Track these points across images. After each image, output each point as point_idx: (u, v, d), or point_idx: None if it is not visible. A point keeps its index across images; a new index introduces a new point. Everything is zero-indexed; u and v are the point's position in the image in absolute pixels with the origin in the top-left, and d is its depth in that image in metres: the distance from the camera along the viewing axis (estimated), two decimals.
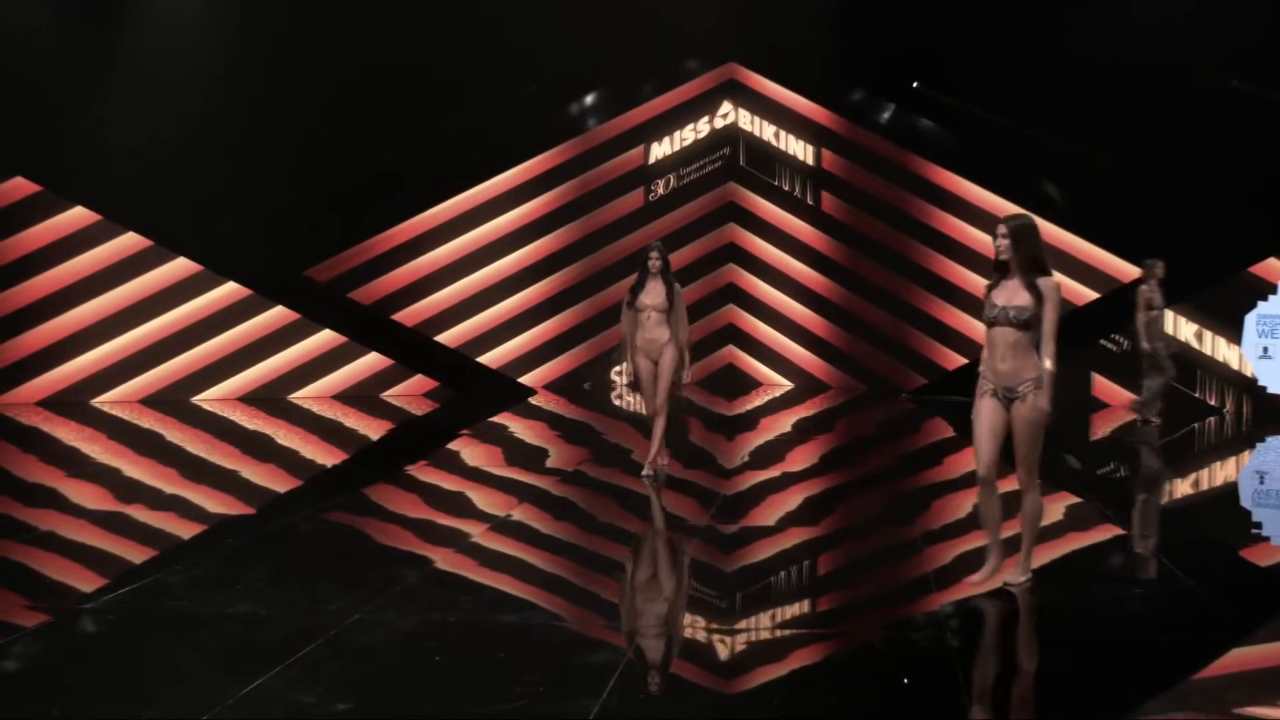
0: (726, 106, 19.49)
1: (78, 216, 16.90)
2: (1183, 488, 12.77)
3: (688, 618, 7.99)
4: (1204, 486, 12.91)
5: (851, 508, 11.56)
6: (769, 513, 10.86)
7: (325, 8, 17.35)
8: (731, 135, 19.58)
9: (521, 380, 19.08)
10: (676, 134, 19.59)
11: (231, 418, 16.22)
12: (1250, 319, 16.80)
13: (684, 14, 18.79)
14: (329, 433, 15.48)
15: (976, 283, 17.95)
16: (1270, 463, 14.42)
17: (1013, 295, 7.97)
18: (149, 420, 15.85)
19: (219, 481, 12.22)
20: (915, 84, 18.21)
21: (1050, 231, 17.60)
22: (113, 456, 13.68)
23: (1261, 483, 13.20)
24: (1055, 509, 11.03)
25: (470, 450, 14.45)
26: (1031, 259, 7.98)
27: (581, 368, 19.26)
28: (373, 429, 15.94)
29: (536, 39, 17.78)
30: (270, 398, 17.69)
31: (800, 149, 19.21)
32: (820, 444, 15.11)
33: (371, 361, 18.35)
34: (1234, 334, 17.07)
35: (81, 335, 17.01)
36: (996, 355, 8.04)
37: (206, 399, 17.49)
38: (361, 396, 18.05)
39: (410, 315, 18.51)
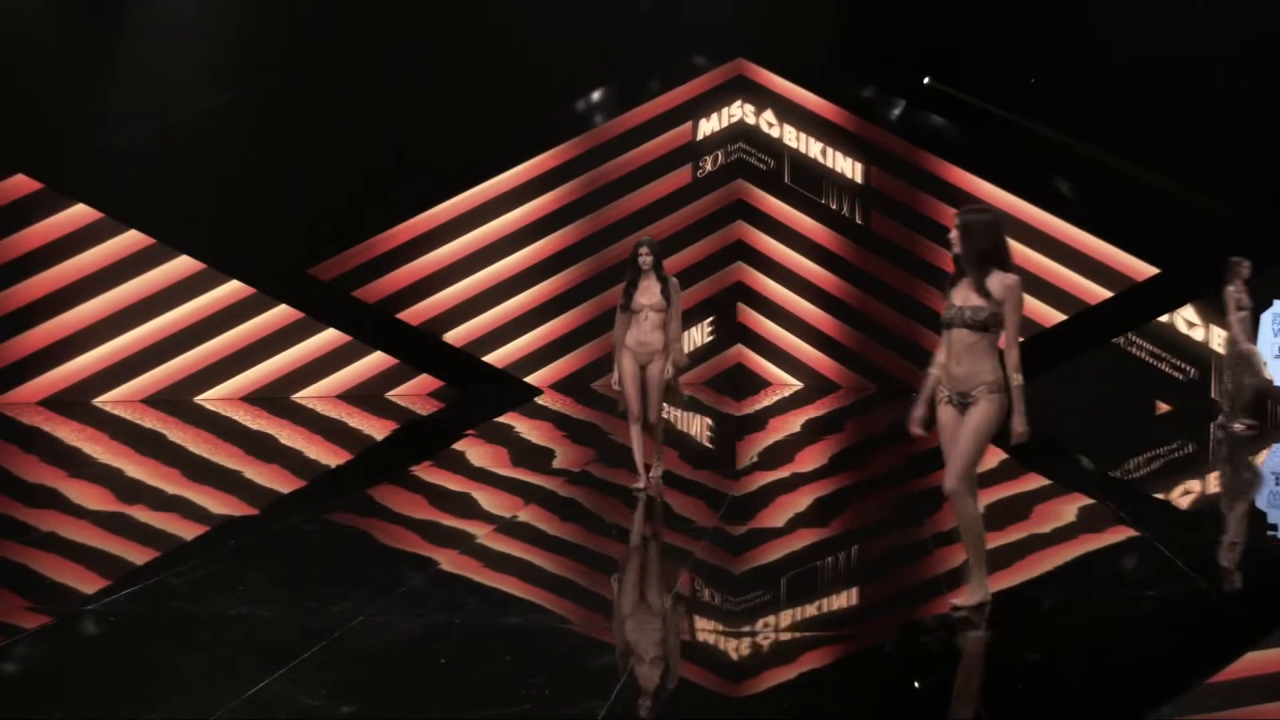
0: (771, 118, 19.36)
1: (79, 214, 16.85)
2: (1197, 489, 12.67)
3: (696, 620, 7.90)
4: (1218, 488, 12.79)
5: (861, 509, 11.50)
6: (778, 514, 10.80)
7: (329, 2, 17.29)
8: (761, 139, 19.46)
9: (527, 380, 19.00)
10: (725, 110, 19.54)
11: (234, 417, 16.18)
12: (1266, 318, 16.66)
13: (691, 10, 18.75)
14: (333, 433, 15.43)
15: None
16: None
17: (969, 295, 7.47)
18: (151, 420, 15.81)
19: (222, 482, 12.17)
20: (926, 79, 18.11)
21: (1062, 229, 17.56)
22: (114, 457, 13.63)
23: (1278, 484, 13.10)
24: (1067, 510, 10.99)
25: (476, 450, 14.41)
26: (982, 255, 7.45)
27: (588, 368, 19.17)
28: (377, 429, 15.89)
29: (542, 35, 17.70)
30: (274, 397, 17.65)
31: (848, 167, 19.02)
32: (830, 444, 15.05)
33: (376, 361, 18.30)
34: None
35: (83, 334, 16.97)
36: (951, 358, 7.57)
37: (209, 398, 17.44)
38: (366, 396, 18.01)
39: (415, 314, 18.44)
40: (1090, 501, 11.31)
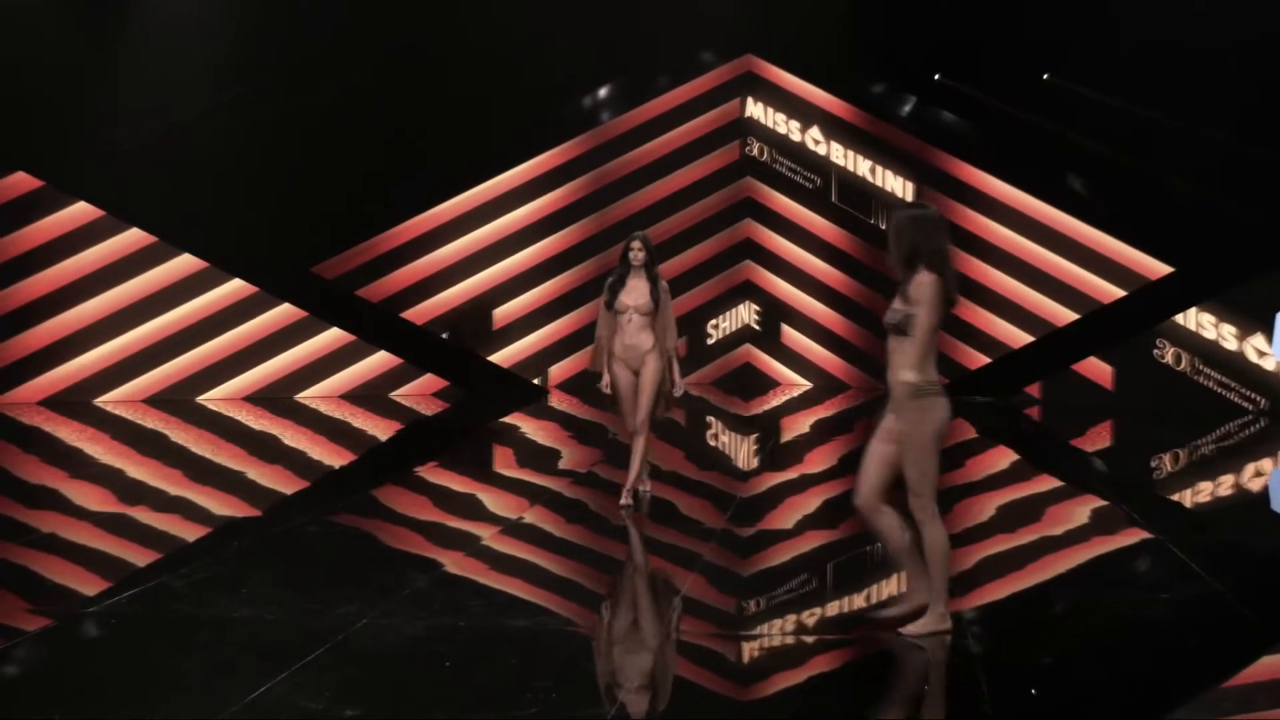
0: (817, 134, 19.24)
1: (80, 212, 16.78)
2: (1212, 490, 12.59)
3: (702, 623, 7.82)
4: (1233, 489, 12.71)
5: None
6: (786, 515, 10.74)
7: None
8: (807, 156, 19.23)
9: (534, 380, 18.93)
10: (771, 114, 19.35)
11: (237, 418, 16.13)
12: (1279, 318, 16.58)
13: (699, 5, 18.64)
14: (336, 433, 15.38)
15: (1000, 280, 17.86)
16: None
17: (898, 297, 7.17)
18: (153, 420, 15.76)
19: (224, 483, 12.13)
20: (937, 76, 18.02)
21: (1074, 227, 17.47)
22: (116, 457, 13.59)
23: None
24: (1080, 512, 10.94)
25: (481, 451, 14.36)
26: (908, 256, 7.16)
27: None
28: (381, 429, 15.83)
29: (548, 31, 17.62)
30: (276, 397, 17.58)
31: (899, 185, 18.74)
32: (839, 445, 14.95)
33: (380, 360, 18.22)
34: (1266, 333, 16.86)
35: (84, 333, 16.90)
36: (889, 367, 7.28)
37: (211, 398, 17.37)
38: (369, 396, 17.94)
39: (419, 313, 18.37)
40: (1102, 503, 11.23)
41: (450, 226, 18.40)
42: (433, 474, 12.93)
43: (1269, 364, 16.67)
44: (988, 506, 11.20)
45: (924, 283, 7.02)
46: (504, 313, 18.78)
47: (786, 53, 19.07)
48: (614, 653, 7.33)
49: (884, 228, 18.08)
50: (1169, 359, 17.09)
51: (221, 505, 11.06)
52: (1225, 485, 12.85)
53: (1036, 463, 13.85)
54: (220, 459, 13.52)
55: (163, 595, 8.02)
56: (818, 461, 13.66)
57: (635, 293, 10.42)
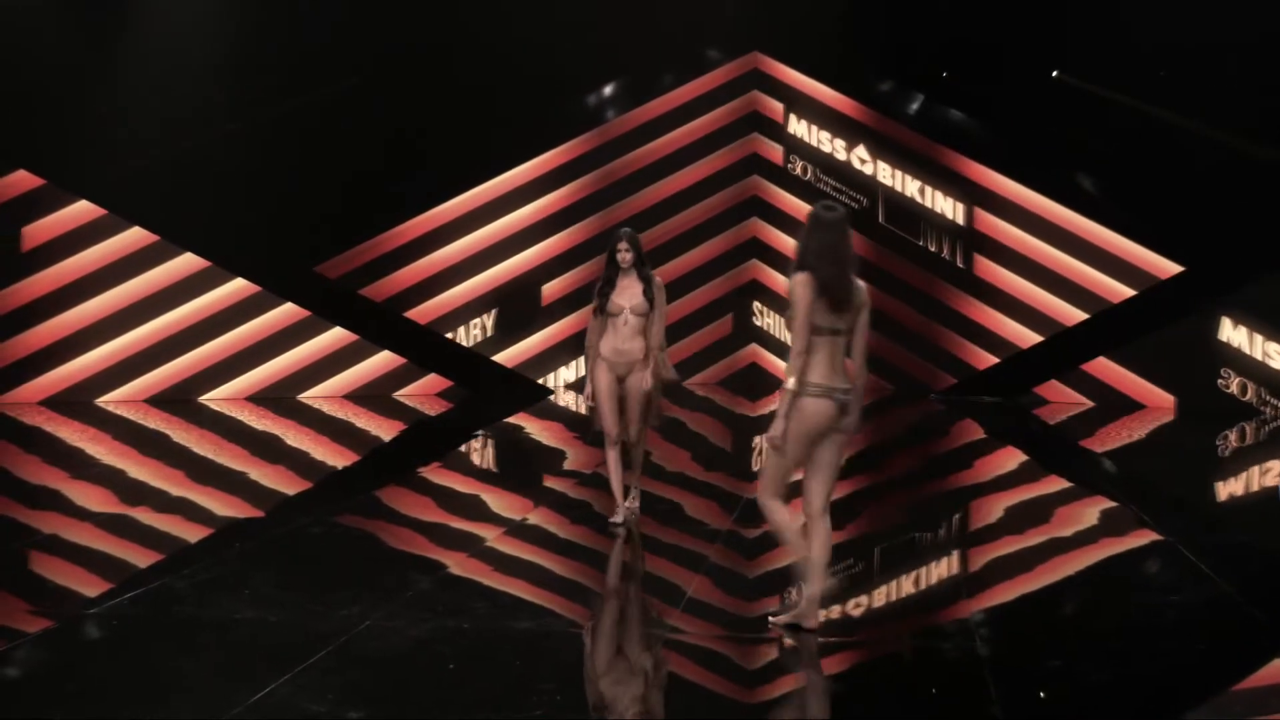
0: (863, 153, 18.99)
1: (82, 211, 16.71)
2: (1223, 492, 12.54)
3: (708, 625, 7.77)
4: (1245, 491, 12.66)
5: (878, 512, 11.39)
6: (794, 517, 10.61)
7: None
8: (853, 175, 18.95)
9: (540, 380, 18.88)
10: (815, 131, 19.13)
11: (239, 418, 16.07)
12: None
13: (705, 3, 18.60)
14: (339, 433, 15.34)
15: (1009, 279, 17.79)
16: None
17: None
18: (155, 420, 15.71)
19: (226, 483, 12.09)
20: (945, 74, 17.95)
21: (1084, 226, 17.40)
22: (117, 457, 13.53)
23: None
24: (1089, 513, 10.91)
25: (485, 452, 14.33)
26: (797, 254, 7.28)
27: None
28: (385, 429, 15.79)
29: (552, 29, 17.57)
30: (279, 397, 17.54)
31: (949, 207, 18.45)
32: (846, 446, 14.86)
33: (383, 360, 18.17)
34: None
35: (86, 333, 16.82)
36: None
37: (214, 398, 17.31)
38: (373, 396, 17.89)
39: (423, 313, 18.32)
40: (1112, 505, 11.19)
41: (454, 225, 18.34)
42: (436, 475, 12.90)
43: None
44: (996, 508, 11.19)
45: (792, 282, 7.16)
46: (506, 312, 18.74)
47: (793, 50, 19.00)
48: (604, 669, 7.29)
49: (935, 251, 18.11)
50: (1234, 389, 16.94)
51: (224, 506, 11.03)
52: (1237, 486, 12.80)
53: (1045, 464, 13.82)
54: (222, 459, 13.48)
55: (165, 597, 8.00)
56: None
57: (629, 293, 9.84)
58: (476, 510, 10.87)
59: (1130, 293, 17.21)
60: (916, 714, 6.40)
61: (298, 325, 17.65)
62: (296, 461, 13.59)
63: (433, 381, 18.35)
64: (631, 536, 9.75)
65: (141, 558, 9.28)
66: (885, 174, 18.65)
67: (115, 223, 16.78)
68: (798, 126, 19.07)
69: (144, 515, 10.44)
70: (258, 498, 11.58)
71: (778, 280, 19.19)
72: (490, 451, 14.46)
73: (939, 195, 18.31)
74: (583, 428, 14.92)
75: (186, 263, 17.09)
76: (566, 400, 17.99)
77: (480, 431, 15.40)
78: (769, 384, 19.22)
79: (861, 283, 7.31)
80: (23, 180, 16.48)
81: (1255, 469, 13.74)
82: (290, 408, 16.93)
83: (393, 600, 7.86)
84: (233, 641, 7.13)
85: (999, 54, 17.41)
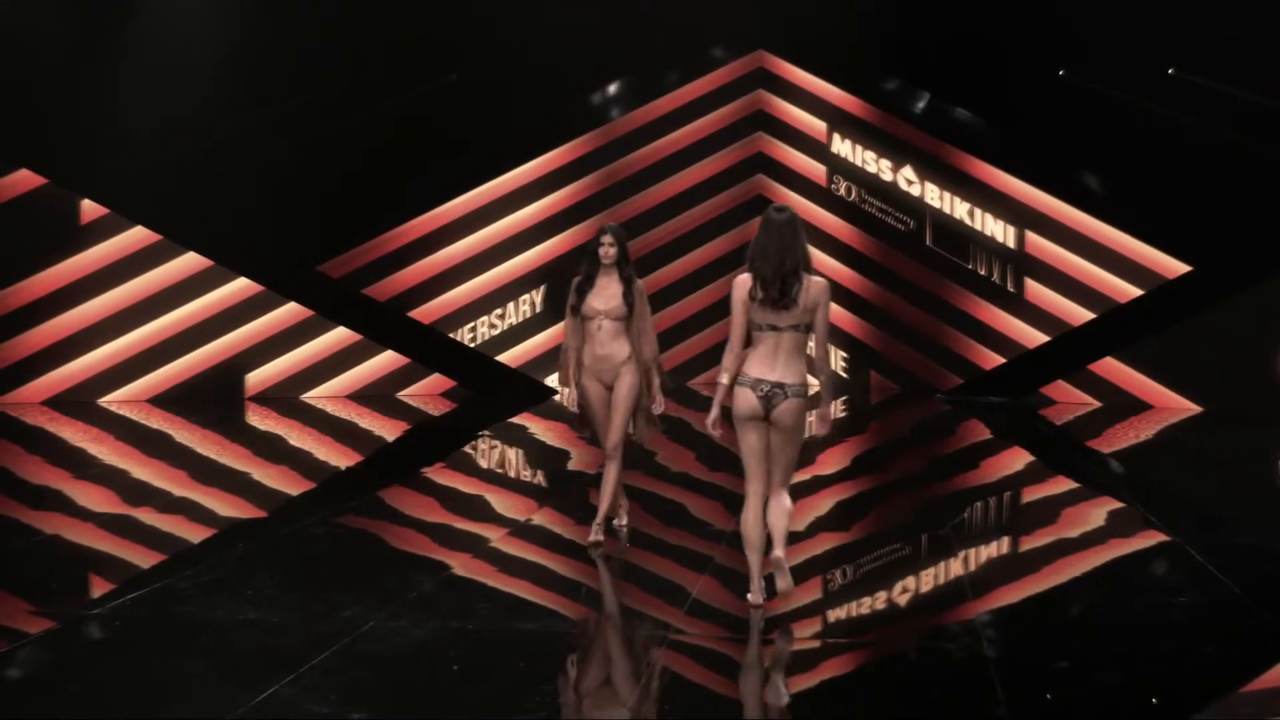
0: (910, 174, 18.75)
1: (84, 210, 16.71)
2: (1231, 493, 12.49)
3: (712, 626, 7.74)
4: (1255, 492, 12.60)
5: (884, 512, 11.38)
6: (798, 517, 10.56)
7: None
8: (899, 196, 18.63)
9: (544, 380, 18.86)
10: (859, 151, 18.90)
11: (242, 418, 16.05)
12: None
13: (710, 1, 18.56)
14: (343, 434, 15.34)
15: (1015, 279, 17.73)
16: None
17: None
18: (157, 420, 15.69)
19: (229, 484, 12.08)
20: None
21: (1090, 225, 17.34)
22: (120, 458, 13.54)
23: None
24: (1096, 514, 10.88)
25: (489, 452, 14.31)
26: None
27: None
28: (388, 430, 15.77)
29: (556, 27, 17.55)
30: (282, 397, 17.51)
31: (1000, 230, 18.13)
32: (852, 446, 14.89)
33: (387, 360, 18.15)
34: None
35: (88, 332, 16.82)
36: None
37: (216, 398, 17.27)
38: (376, 396, 17.87)
39: (427, 312, 18.30)
40: (1119, 505, 11.16)
41: (458, 225, 18.32)
42: (440, 475, 12.86)
43: None
44: (1002, 508, 11.15)
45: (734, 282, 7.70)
46: (509, 312, 18.71)
47: (799, 48, 18.94)
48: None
49: (985, 274, 17.98)
50: None
51: (227, 507, 11.02)
52: (1245, 487, 12.75)
53: (1052, 464, 13.79)
54: (225, 460, 13.49)
55: (167, 597, 7.99)
56: (830, 463, 13.58)
57: (605, 295, 9.22)
58: (480, 511, 10.84)
59: (1138, 292, 17.15)
60: (922, 715, 6.37)
61: (301, 325, 17.63)
62: (299, 462, 13.57)
63: (436, 381, 18.33)
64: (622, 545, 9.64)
65: (144, 558, 9.27)
66: (933, 195, 18.39)
67: (117, 222, 16.76)
68: (841, 146, 18.82)
69: (146, 516, 10.43)
70: (261, 498, 11.58)
71: None
72: (494, 452, 14.43)
73: (989, 218, 18.04)
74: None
75: (189, 262, 17.08)
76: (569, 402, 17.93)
77: (484, 432, 15.37)
78: None
79: (819, 280, 7.64)
80: (25, 179, 16.47)
81: (1267, 471, 13.70)
82: (293, 408, 16.91)
83: (396, 601, 7.84)
84: (235, 642, 7.12)
85: (1003, 52, 17.35)
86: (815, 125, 18.88)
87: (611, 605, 8.29)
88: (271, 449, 14.23)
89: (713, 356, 19.13)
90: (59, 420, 15.53)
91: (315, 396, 17.73)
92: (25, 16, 16.11)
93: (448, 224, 18.26)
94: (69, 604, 7.93)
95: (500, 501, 11.27)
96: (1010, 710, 6.26)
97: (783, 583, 7.69)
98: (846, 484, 12.64)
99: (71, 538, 9.75)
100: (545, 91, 18.10)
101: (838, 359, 18.92)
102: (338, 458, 14.06)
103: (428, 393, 18.23)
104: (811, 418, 8.70)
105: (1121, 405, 16.94)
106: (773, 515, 7.76)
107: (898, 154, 18.39)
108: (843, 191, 18.81)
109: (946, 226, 18.29)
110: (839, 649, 7.39)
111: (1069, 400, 17.43)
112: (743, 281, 7.60)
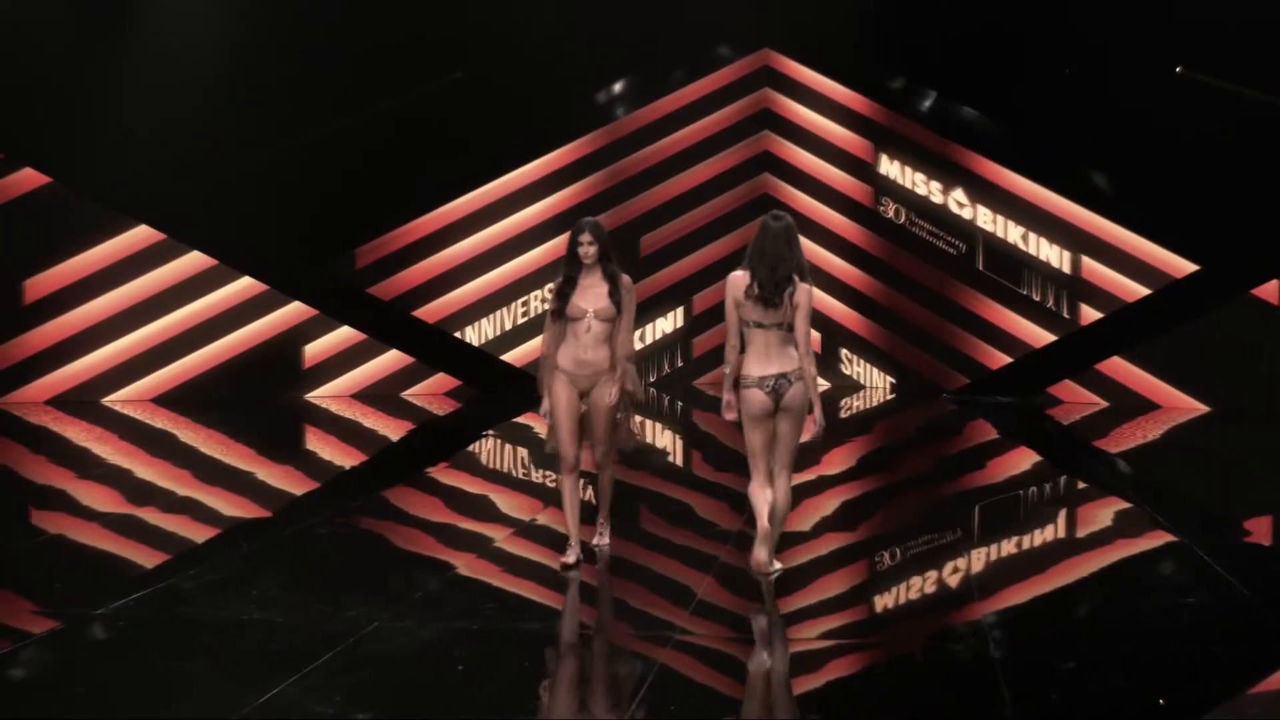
0: (961, 197, 18.34)
1: (88, 209, 16.69)
2: (1238, 493, 12.44)
3: (717, 626, 7.72)
4: (1263, 493, 12.56)
5: (890, 513, 11.32)
6: (804, 518, 10.59)
7: None
8: (950, 219, 18.37)
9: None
10: (909, 173, 18.58)
11: (246, 417, 16.02)
12: None
13: None
14: (347, 433, 15.33)
15: (1022, 278, 17.69)
16: None
17: None
18: (161, 420, 15.68)
19: (234, 483, 12.05)
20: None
21: (1099, 225, 17.30)
22: (124, 457, 13.54)
23: None
24: (1103, 514, 10.86)
25: (494, 451, 14.29)
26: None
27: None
28: (392, 429, 15.76)
29: (560, 25, 17.51)
30: (287, 396, 17.48)
31: (1054, 255, 17.84)
32: (858, 446, 14.87)
33: (391, 359, 18.13)
34: None
35: (92, 331, 16.81)
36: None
37: (220, 397, 17.24)
38: (381, 395, 17.85)
39: (432, 311, 18.28)
40: (1126, 505, 11.14)
41: (463, 224, 18.30)
42: (445, 475, 12.85)
43: None
44: (1009, 508, 11.12)
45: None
46: (514, 311, 18.69)
47: (805, 47, 18.90)
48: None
49: (1040, 300, 17.85)
50: None
51: (231, 506, 10.99)
52: (1252, 487, 12.71)
53: (1058, 464, 13.76)
54: (230, 459, 13.48)
55: (171, 597, 7.97)
56: (835, 463, 13.55)
57: (592, 294, 8.62)
58: (485, 511, 10.82)
59: (1145, 291, 17.11)
60: (929, 717, 6.34)
61: (305, 324, 17.61)
62: (304, 461, 13.59)
63: (441, 381, 18.31)
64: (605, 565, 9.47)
65: (148, 558, 9.25)
66: (985, 219, 18.11)
67: (121, 220, 16.76)
68: (890, 167, 18.60)
69: (151, 515, 10.41)
70: (265, 498, 11.55)
71: None
72: (499, 451, 14.41)
73: (1043, 242, 17.76)
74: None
75: (193, 261, 17.06)
76: None
77: (489, 431, 15.35)
78: None
79: (806, 286, 8.18)
80: (29, 178, 16.47)
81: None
82: (298, 407, 16.90)
83: (401, 601, 7.82)
84: (239, 642, 7.10)
85: (1012, 50, 17.30)
86: (822, 124, 18.85)
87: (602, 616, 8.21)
88: (276, 448, 14.18)
89: (717, 356, 19.13)
90: (63, 420, 15.52)
91: (319, 396, 17.71)
92: (30, 15, 16.08)
93: (452, 223, 18.24)
94: (73, 604, 7.90)
95: (505, 501, 11.25)
96: (1016, 711, 6.22)
97: (774, 566, 8.47)
98: (852, 484, 12.62)
99: (75, 537, 9.73)
100: (550, 90, 18.07)
101: (856, 364, 18.89)
102: (342, 457, 14.05)
103: (432, 392, 18.21)
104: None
105: (1129, 405, 16.91)
106: (778, 497, 8.33)
107: (949, 176, 18.20)
108: (891, 214, 18.58)
109: (999, 250, 18.02)
110: (845, 650, 7.35)
111: (1076, 400, 17.39)
112: (735, 280, 8.17)
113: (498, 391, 18.18)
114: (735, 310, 8.15)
